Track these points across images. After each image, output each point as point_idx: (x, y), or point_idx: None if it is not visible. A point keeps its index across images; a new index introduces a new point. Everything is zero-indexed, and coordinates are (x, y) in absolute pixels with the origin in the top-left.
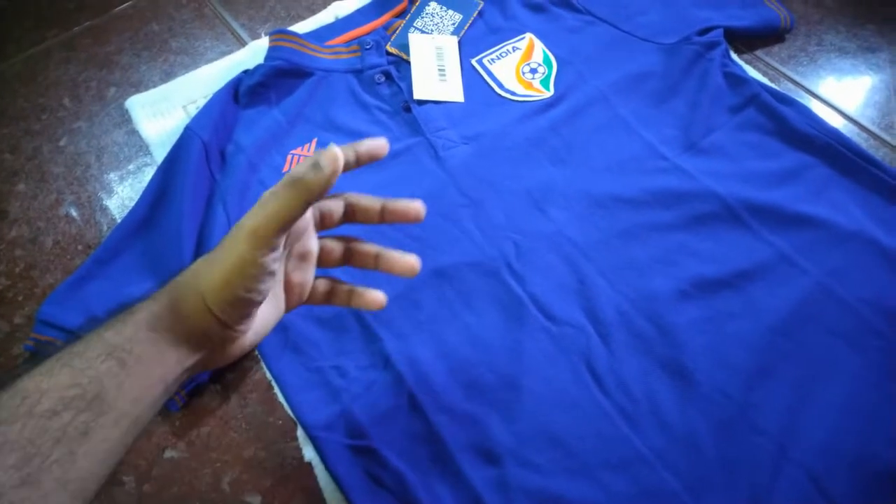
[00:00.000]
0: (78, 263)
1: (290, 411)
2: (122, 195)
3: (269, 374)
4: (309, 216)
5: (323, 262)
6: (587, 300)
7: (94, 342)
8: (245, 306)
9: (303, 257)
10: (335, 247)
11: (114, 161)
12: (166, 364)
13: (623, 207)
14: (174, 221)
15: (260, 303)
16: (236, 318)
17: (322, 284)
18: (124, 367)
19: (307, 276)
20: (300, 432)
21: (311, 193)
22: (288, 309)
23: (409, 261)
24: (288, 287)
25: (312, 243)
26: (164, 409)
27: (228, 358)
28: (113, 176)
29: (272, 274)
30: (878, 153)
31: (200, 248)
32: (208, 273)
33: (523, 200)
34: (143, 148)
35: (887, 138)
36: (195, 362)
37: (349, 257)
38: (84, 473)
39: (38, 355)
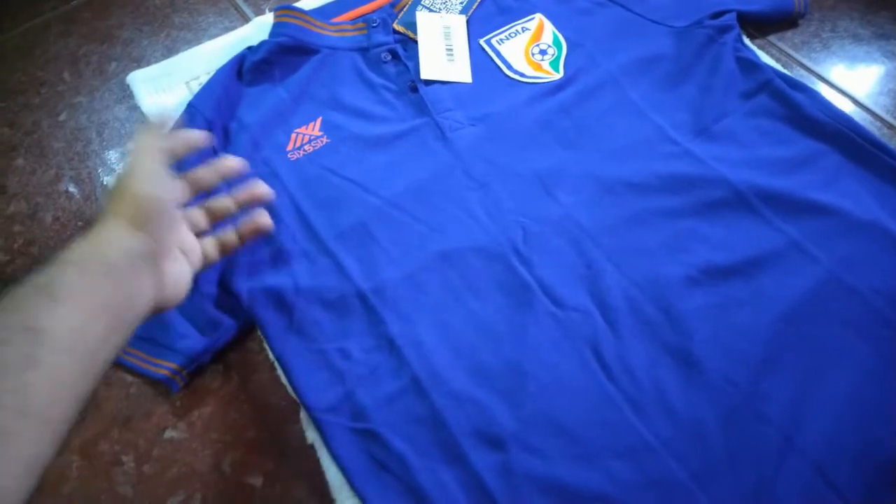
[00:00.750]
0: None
1: (293, 393)
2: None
3: (272, 356)
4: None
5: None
6: (595, 285)
7: (28, 285)
8: (151, 207)
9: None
10: (197, 213)
11: (115, 137)
12: (98, 291)
13: (633, 192)
14: None
15: (163, 207)
16: (145, 220)
17: (209, 242)
18: (55, 300)
19: (191, 244)
20: (303, 414)
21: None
22: (193, 271)
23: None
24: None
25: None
26: (164, 389)
27: (165, 294)
28: (114, 152)
29: (166, 177)
30: (892, 141)
31: None
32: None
33: (531, 184)
34: (144, 123)
35: None
36: (131, 290)
37: (212, 216)
38: (44, 400)
39: None
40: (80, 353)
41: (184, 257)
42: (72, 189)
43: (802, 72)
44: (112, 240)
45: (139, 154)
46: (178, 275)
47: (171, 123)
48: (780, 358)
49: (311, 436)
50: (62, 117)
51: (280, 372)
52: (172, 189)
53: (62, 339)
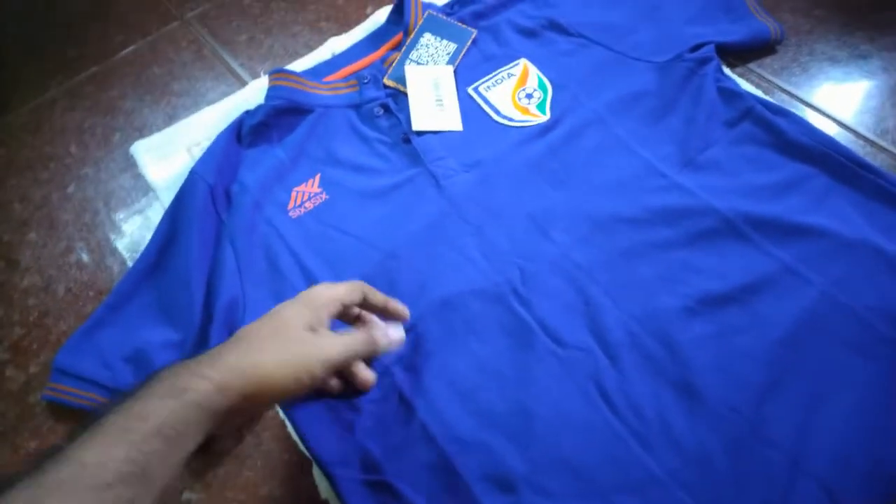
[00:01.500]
0: (91, 310)
1: (304, 449)
2: (132, 240)
3: (281, 413)
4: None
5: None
6: (594, 322)
7: (147, 415)
8: (274, 396)
9: None
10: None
11: (121, 206)
12: (201, 435)
13: (625, 227)
14: (183, 264)
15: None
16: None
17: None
18: (170, 444)
19: None
20: (315, 469)
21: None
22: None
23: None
24: None
25: None
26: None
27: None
28: (121, 221)
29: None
30: (876, 160)
31: (210, 289)
32: (268, 370)
33: (526, 225)
34: (149, 191)
35: (884, 144)
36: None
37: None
38: None
39: (85, 412)
40: (160, 492)
41: None
42: (83, 259)
43: (784, 96)
44: (239, 401)
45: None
46: None
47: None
48: (782, 382)
49: (325, 490)
50: (70, 190)
51: (291, 428)
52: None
53: (159, 486)
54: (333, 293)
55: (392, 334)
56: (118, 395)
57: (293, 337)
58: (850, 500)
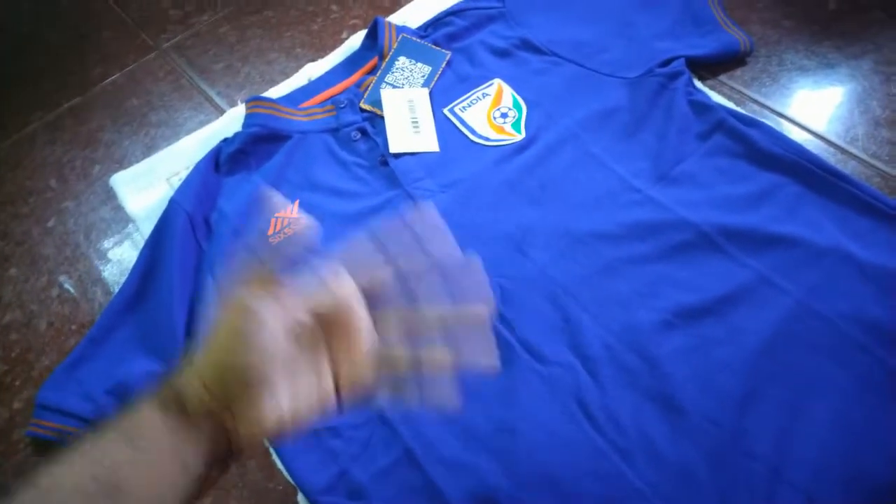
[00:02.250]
0: (73, 343)
1: (288, 477)
2: (113, 272)
3: (266, 441)
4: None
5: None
6: (573, 338)
7: (107, 430)
8: (236, 381)
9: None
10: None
11: (102, 238)
12: (179, 443)
13: (601, 243)
14: (165, 295)
15: (257, 382)
16: (229, 395)
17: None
18: (138, 450)
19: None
20: (300, 497)
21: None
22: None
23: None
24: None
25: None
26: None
27: (244, 445)
28: (102, 253)
29: (263, 347)
30: (847, 167)
31: (192, 318)
32: (201, 350)
33: (504, 244)
34: (130, 223)
35: (854, 151)
36: (209, 446)
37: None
38: None
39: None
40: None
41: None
42: (65, 293)
43: (755, 107)
44: (189, 392)
45: (238, 299)
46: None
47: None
48: (761, 392)
49: None
50: (51, 224)
51: (275, 457)
52: (271, 346)
53: (138, 498)
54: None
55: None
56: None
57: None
58: None
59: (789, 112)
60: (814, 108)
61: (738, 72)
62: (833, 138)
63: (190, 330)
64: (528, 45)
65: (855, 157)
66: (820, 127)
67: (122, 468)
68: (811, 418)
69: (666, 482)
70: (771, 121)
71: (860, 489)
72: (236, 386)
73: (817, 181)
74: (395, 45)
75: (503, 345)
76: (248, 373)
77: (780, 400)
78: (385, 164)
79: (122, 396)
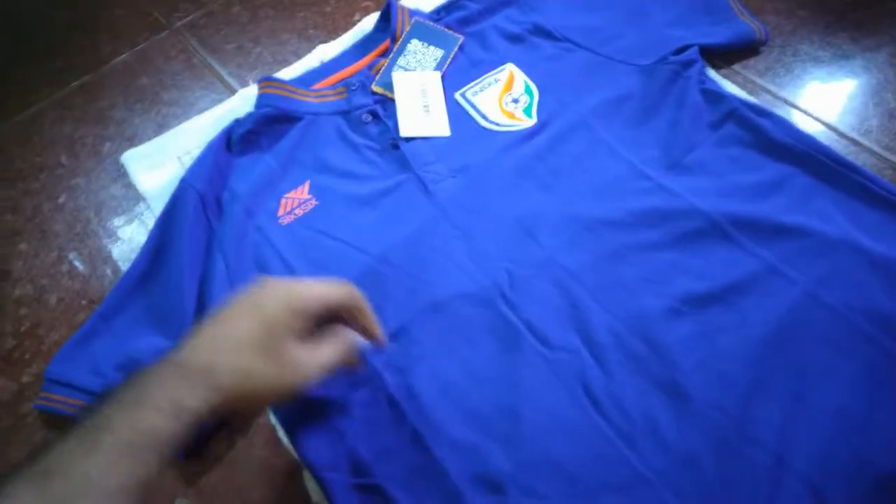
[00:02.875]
0: (83, 319)
1: (294, 454)
2: (123, 249)
3: (272, 418)
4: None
5: None
6: (581, 323)
7: (147, 429)
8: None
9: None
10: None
11: (113, 215)
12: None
13: (610, 230)
14: (175, 273)
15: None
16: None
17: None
18: (161, 457)
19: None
20: (306, 473)
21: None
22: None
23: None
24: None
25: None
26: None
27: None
28: (113, 230)
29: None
30: (859, 159)
31: (202, 297)
32: (255, 385)
33: (513, 229)
34: (140, 200)
35: (867, 143)
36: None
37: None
38: None
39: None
40: None
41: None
42: (75, 269)
43: (768, 97)
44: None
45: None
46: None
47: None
48: (767, 381)
49: (316, 494)
50: (61, 200)
51: (281, 433)
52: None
53: None
54: (322, 297)
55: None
56: (117, 394)
57: (283, 354)
58: (836, 498)
59: (802, 103)
60: (827, 99)
61: (752, 61)
62: (846, 130)
63: (200, 308)
64: (541, 31)
65: (868, 149)
66: (833, 118)
67: (149, 469)
68: (817, 408)
69: (670, 469)
70: (784, 111)
71: (864, 479)
72: (252, 412)
73: (829, 172)
74: (407, 28)
75: (509, 329)
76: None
77: (787, 389)
78: (396, 147)
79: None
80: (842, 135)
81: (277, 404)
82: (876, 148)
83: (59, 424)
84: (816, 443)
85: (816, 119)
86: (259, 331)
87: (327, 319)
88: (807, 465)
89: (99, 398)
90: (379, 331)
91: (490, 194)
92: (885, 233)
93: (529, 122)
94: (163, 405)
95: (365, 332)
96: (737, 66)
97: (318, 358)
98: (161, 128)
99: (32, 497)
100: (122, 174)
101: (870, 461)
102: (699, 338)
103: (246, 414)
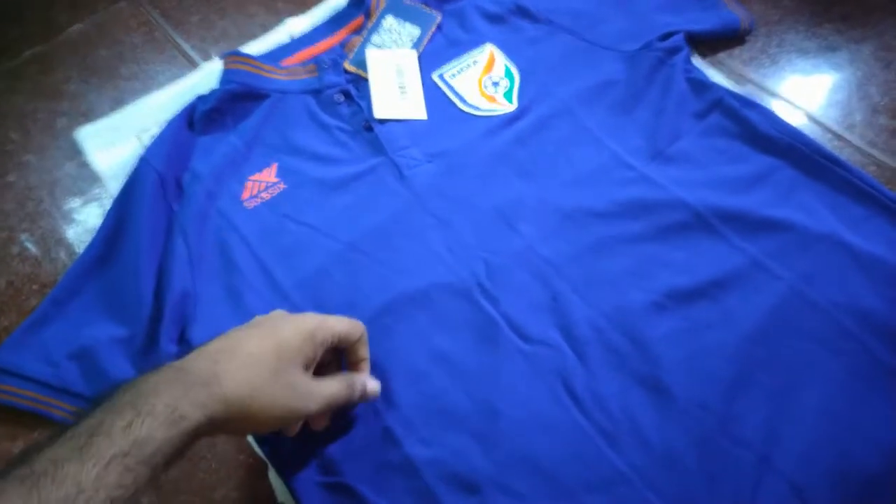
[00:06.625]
0: (34, 304)
1: (259, 451)
2: (78, 231)
3: None
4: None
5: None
6: (561, 317)
7: (145, 441)
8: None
9: None
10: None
11: (67, 195)
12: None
13: (593, 220)
14: (132, 256)
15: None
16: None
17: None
18: (155, 470)
19: None
20: (271, 472)
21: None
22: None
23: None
24: None
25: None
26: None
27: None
28: (67, 211)
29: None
30: (843, 153)
31: (160, 282)
32: (262, 407)
33: (492, 217)
34: (96, 180)
35: (850, 138)
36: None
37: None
38: None
39: None
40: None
41: None
42: (26, 251)
43: (753, 88)
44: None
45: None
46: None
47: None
48: (750, 378)
49: (281, 493)
50: (11, 178)
51: None
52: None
53: None
54: (335, 330)
55: (370, 385)
56: (113, 397)
57: (291, 378)
58: (818, 496)
59: (787, 94)
60: (812, 91)
61: (737, 51)
62: (830, 124)
63: (158, 293)
64: (523, 12)
65: (851, 144)
66: (817, 111)
67: (140, 482)
68: (800, 406)
69: (652, 467)
70: (768, 102)
71: (847, 478)
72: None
73: (813, 166)
74: (382, 5)
75: (487, 322)
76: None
77: (770, 386)
78: (369, 129)
79: (85, 361)
80: (826, 128)
81: (272, 431)
82: (859, 143)
83: (8, 416)
84: (800, 441)
85: (800, 111)
86: (271, 350)
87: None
88: (790, 463)
89: (94, 401)
90: (368, 368)
91: (468, 181)
92: (869, 228)
93: (510, 107)
94: (160, 411)
95: (355, 365)
96: (722, 55)
97: (324, 389)
98: (118, 103)
99: (21, 502)
100: (76, 152)
101: (852, 459)
102: (682, 333)
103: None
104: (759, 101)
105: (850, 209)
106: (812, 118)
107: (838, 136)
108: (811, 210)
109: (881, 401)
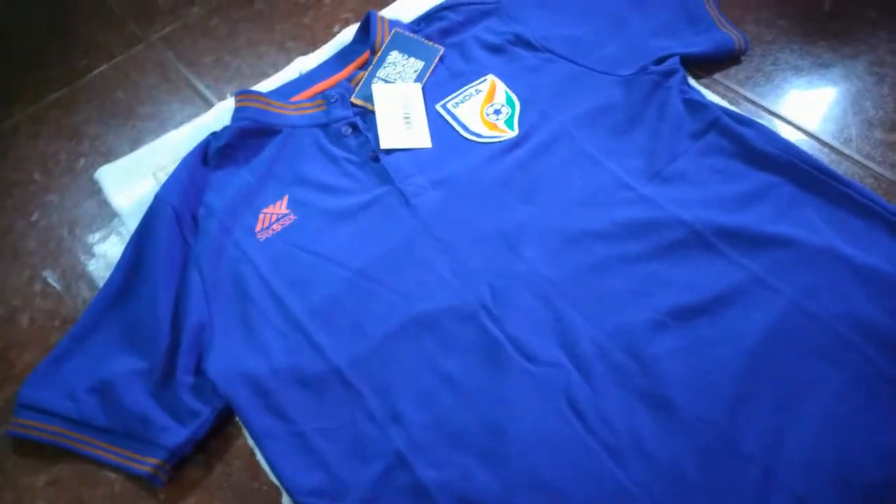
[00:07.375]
0: (56, 340)
1: (274, 478)
2: (97, 267)
3: (250, 440)
4: None
5: None
6: (565, 337)
7: None
8: None
9: None
10: None
11: (87, 233)
12: None
13: (594, 241)
14: (150, 291)
15: None
16: None
17: None
18: None
19: None
20: (285, 499)
21: None
22: None
23: None
24: None
25: None
26: (148, 485)
27: None
28: (87, 248)
29: None
30: (840, 167)
31: (177, 315)
32: None
33: (496, 242)
34: (115, 217)
35: (847, 152)
36: None
37: None
38: None
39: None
40: None
41: None
42: (48, 289)
43: (749, 106)
44: None
45: None
46: None
47: None
48: (753, 392)
49: None
50: (34, 217)
51: (260, 457)
52: None
53: None
54: None
55: None
56: None
57: None
58: None
59: (783, 111)
60: (808, 107)
61: (733, 70)
62: (827, 139)
63: (174, 326)
64: (522, 42)
65: (848, 157)
66: (814, 127)
67: None
68: (802, 419)
69: (656, 483)
70: (765, 120)
71: (851, 490)
72: None
73: (811, 181)
74: (387, 40)
75: (493, 344)
76: None
77: (772, 400)
78: (376, 160)
79: (105, 395)
80: (823, 143)
81: None
82: (856, 156)
83: (32, 450)
84: (803, 453)
85: (797, 128)
86: None
87: None
88: (793, 476)
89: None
90: None
91: (472, 206)
92: (868, 241)
93: (511, 134)
94: None
95: None
96: (717, 76)
97: None
98: (136, 143)
99: None
100: (96, 190)
101: (856, 471)
102: (685, 350)
103: None
104: (756, 119)
105: (849, 222)
106: (809, 134)
107: (835, 151)
108: (810, 224)
109: (883, 410)
